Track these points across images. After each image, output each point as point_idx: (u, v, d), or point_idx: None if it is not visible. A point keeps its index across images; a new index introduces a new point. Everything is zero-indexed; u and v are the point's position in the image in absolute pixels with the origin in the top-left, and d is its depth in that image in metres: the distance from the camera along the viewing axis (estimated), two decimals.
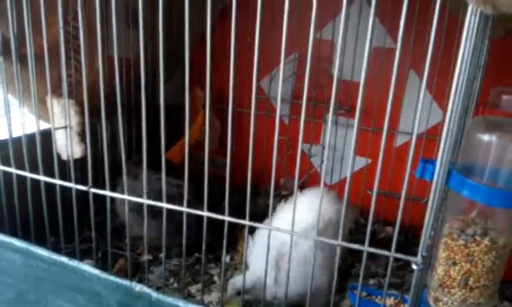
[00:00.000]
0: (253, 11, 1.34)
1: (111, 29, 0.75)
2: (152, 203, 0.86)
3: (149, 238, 0.90)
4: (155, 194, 0.89)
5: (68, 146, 1.18)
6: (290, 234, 0.79)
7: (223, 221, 0.81)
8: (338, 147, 1.57)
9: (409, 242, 1.39)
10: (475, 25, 0.59)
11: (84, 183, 0.90)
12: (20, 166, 0.96)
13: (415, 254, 0.68)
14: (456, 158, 0.79)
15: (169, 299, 0.62)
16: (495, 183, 0.73)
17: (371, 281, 1.18)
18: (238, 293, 0.97)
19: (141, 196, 0.86)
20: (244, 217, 0.80)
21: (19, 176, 0.96)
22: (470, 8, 0.57)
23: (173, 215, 0.86)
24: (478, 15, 0.59)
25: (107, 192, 0.88)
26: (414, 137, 0.65)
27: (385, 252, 0.69)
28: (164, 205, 0.84)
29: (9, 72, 1.00)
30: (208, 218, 0.82)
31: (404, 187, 0.66)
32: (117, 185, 1.16)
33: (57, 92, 1.16)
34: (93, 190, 0.89)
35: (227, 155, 0.77)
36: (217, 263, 1.28)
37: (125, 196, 0.87)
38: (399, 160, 1.37)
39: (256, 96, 0.71)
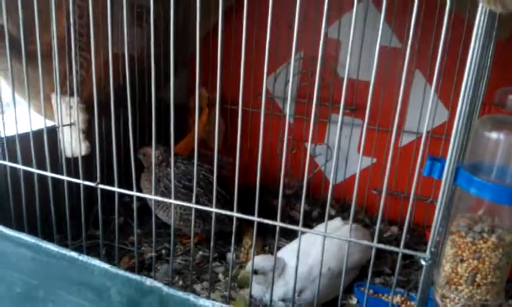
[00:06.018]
0: (258, 10, 1.34)
1: (116, 26, 0.76)
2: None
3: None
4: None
5: (73, 143, 1.18)
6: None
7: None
8: (343, 146, 1.57)
9: (414, 241, 1.40)
10: (484, 24, 0.59)
11: (89, 180, 0.90)
12: (27, 163, 0.96)
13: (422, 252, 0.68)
14: (463, 157, 0.79)
15: (180, 294, 0.63)
16: (503, 180, 0.73)
17: (377, 280, 1.18)
18: (255, 272, 0.99)
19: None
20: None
21: (26, 173, 0.96)
22: (480, 7, 0.58)
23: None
24: (487, 14, 0.59)
25: (116, 189, 0.88)
26: (424, 136, 0.66)
27: (394, 249, 0.70)
28: (172, 201, 0.85)
29: (15, 70, 1.01)
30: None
31: (414, 185, 0.67)
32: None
33: (62, 89, 1.16)
34: (101, 186, 0.89)
35: (236, 153, 0.77)
36: (222, 261, 1.28)
37: (134, 193, 0.88)
38: (404, 160, 1.37)
39: (261, 95, 0.71)
